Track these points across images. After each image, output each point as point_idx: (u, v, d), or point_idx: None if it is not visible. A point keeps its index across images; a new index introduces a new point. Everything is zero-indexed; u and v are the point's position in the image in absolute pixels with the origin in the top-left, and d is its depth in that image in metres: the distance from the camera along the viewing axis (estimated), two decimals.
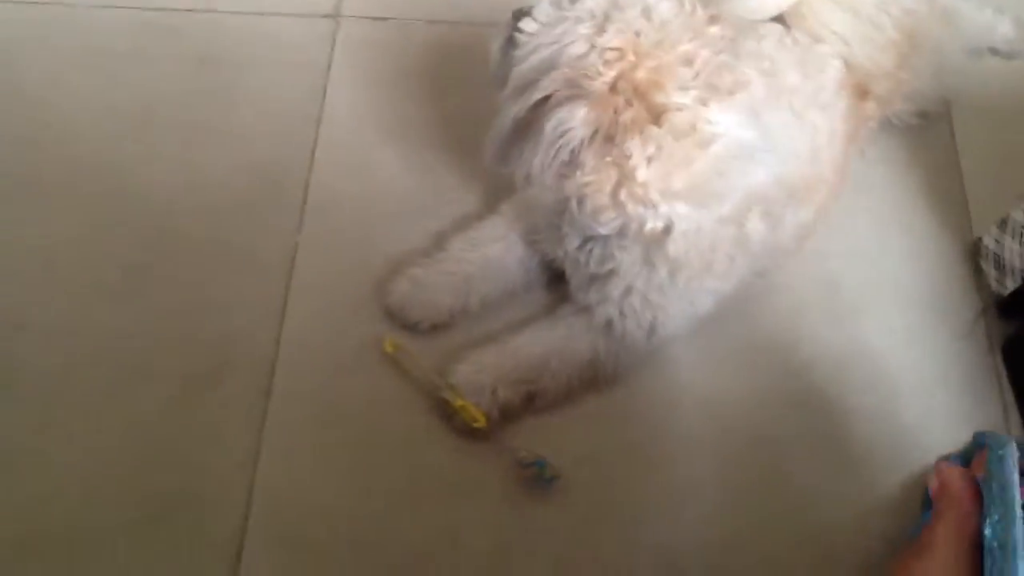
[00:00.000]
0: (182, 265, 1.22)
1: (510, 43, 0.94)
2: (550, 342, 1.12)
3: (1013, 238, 1.11)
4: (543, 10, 0.91)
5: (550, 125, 0.85)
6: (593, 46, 0.86)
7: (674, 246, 0.96)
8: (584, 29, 0.87)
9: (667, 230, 0.93)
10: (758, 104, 0.91)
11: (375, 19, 1.42)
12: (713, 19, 0.90)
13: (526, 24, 0.91)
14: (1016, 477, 0.70)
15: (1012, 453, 0.71)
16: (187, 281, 1.21)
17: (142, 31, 1.41)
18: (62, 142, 1.31)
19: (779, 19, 1.15)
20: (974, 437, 0.89)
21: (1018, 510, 0.65)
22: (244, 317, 1.18)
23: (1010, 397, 1.14)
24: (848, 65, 1.15)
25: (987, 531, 0.65)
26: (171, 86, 1.36)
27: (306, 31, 1.41)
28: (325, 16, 1.42)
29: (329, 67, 1.37)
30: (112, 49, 1.39)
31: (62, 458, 1.09)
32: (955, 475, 0.76)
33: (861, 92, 1.18)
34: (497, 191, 1.23)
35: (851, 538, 1.07)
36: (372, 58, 1.39)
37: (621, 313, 1.08)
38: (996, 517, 0.65)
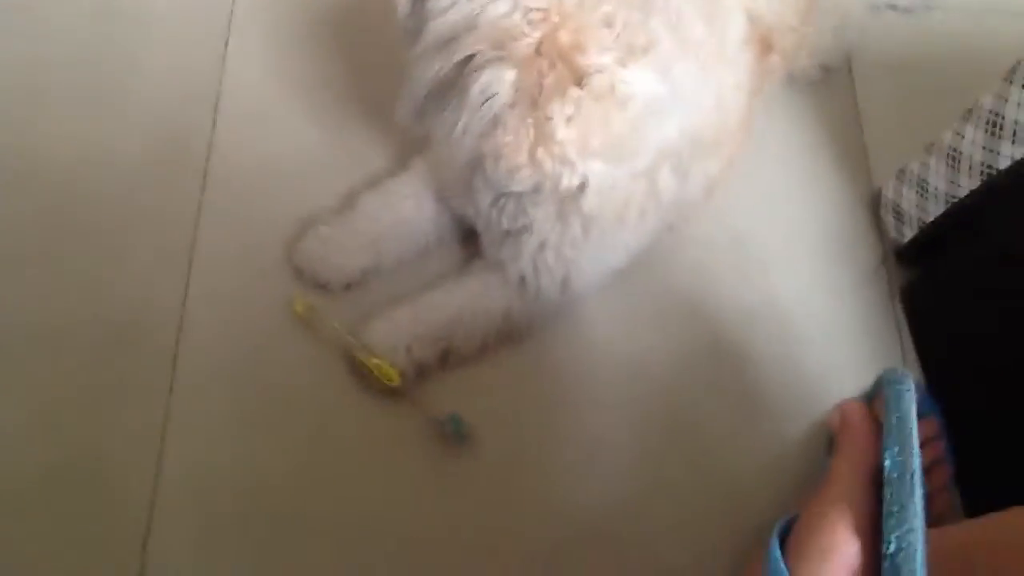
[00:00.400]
0: (81, 229, 1.17)
1: None
2: (464, 298, 1.12)
3: (910, 188, 1.14)
4: None
5: (476, 88, 0.84)
6: (516, 6, 0.84)
7: (588, 202, 0.97)
8: None
9: (582, 187, 0.93)
10: (667, 59, 0.92)
11: None
12: None
13: None
14: (914, 411, 0.73)
15: (910, 388, 0.74)
16: (89, 245, 1.16)
17: None
18: None
19: None
20: (876, 380, 0.92)
21: (915, 442, 0.68)
22: (149, 280, 1.14)
23: (909, 342, 1.18)
24: (752, 19, 1.16)
25: (887, 462, 0.67)
26: (63, 43, 1.30)
27: None
28: None
29: (230, 20, 1.32)
30: (3, 5, 1.32)
31: None
32: (855, 412, 0.78)
33: (765, 46, 1.19)
34: (408, 147, 1.21)
35: (761, 482, 1.10)
36: (275, 14, 1.34)
37: (534, 268, 1.08)
38: (896, 449, 0.67)
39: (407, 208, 1.16)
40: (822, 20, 1.26)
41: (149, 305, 1.13)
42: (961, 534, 0.73)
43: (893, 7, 1.42)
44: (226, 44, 1.31)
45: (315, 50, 1.32)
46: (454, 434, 1.07)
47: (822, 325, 1.20)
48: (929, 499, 0.99)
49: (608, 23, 0.86)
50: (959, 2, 1.43)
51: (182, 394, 1.08)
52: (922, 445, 1.00)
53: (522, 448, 1.10)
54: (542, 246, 1.05)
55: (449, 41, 0.87)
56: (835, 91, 1.36)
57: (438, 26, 0.88)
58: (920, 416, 1.03)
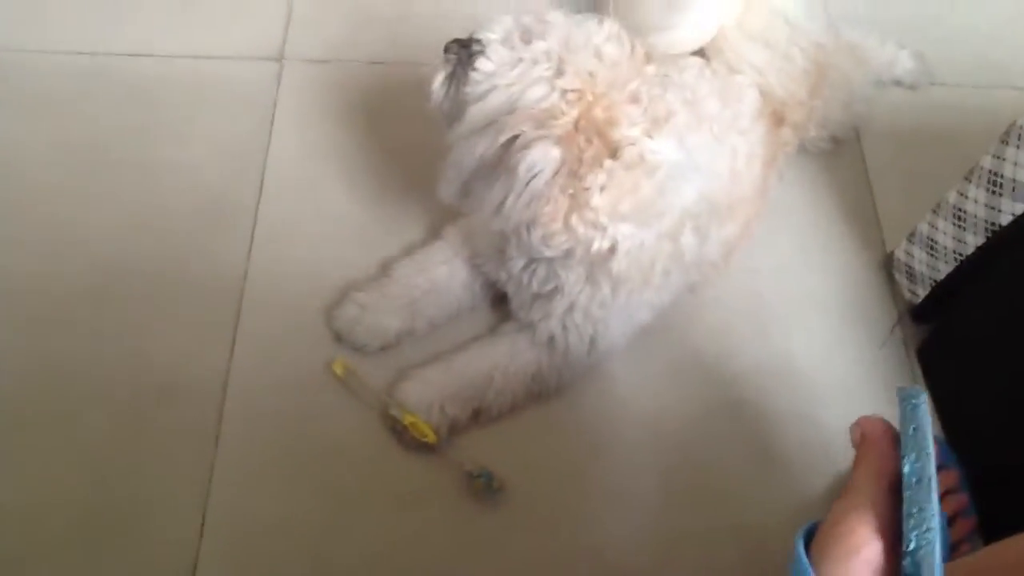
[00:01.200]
0: (133, 292, 1.24)
1: (454, 78, 1.00)
2: (494, 358, 1.17)
3: (920, 248, 1.19)
4: (496, 51, 0.95)
5: (524, 165, 0.92)
6: (553, 88, 0.93)
7: (618, 263, 1.03)
8: (542, 71, 0.93)
9: (612, 249, 1.01)
10: (683, 130, 1.00)
11: (318, 61, 1.48)
12: (648, 57, 0.99)
13: (482, 64, 0.95)
14: (929, 422, 0.76)
15: (925, 402, 0.78)
16: (138, 307, 1.23)
17: (88, 75, 1.45)
18: (7, 177, 1.34)
19: (699, 53, 1.24)
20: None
21: (931, 450, 0.71)
22: (195, 341, 1.21)
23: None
24: (764, 94, 1.24)
25: (906, 468, 0.70)
26: (121, 125, 1.40)
27: (252, 72, 1.46)
28: (269, 59, 1.48)
29: (275, 105, 1.43)
30: (60, 92, 1.43)
31: (11, 477, 1.11)
32: (875, 424, 0.82)
33: (777, 119, 1.27)
34: (441, 218, 1.28)
35: (780, 536, 1.12)
36: (316, 96, 1.45)
37: (563, 328, 1.13)
38: (913, 456, 0.70)
39: (440, 274, 1.22)
40: (831, 95, 1.34)
41: (196, 364, 1.19)
42: (975, 561, 0.75)
43: (898, 83, 1.50)
44: (270, 129, 1.41)
45: (350, 133, 1.42)
46: (486, 488, 1.11)
47: (840, 383, 1.24)
48: (953, 549, 1.01)
49: (635, 99, 0.95)
50: (961, 78, 1.52)
51: (226, 448, 1.14)
52: (943, 496, 1.04)
53: (551, 499, 1.13)
54: (571, 307, 1.11)
55: (490, 124, 0.95)
56: (846, 161, 1.43)
57: (478, 110, 0.96)
58: (940, 468, 1.06)
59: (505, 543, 1.10)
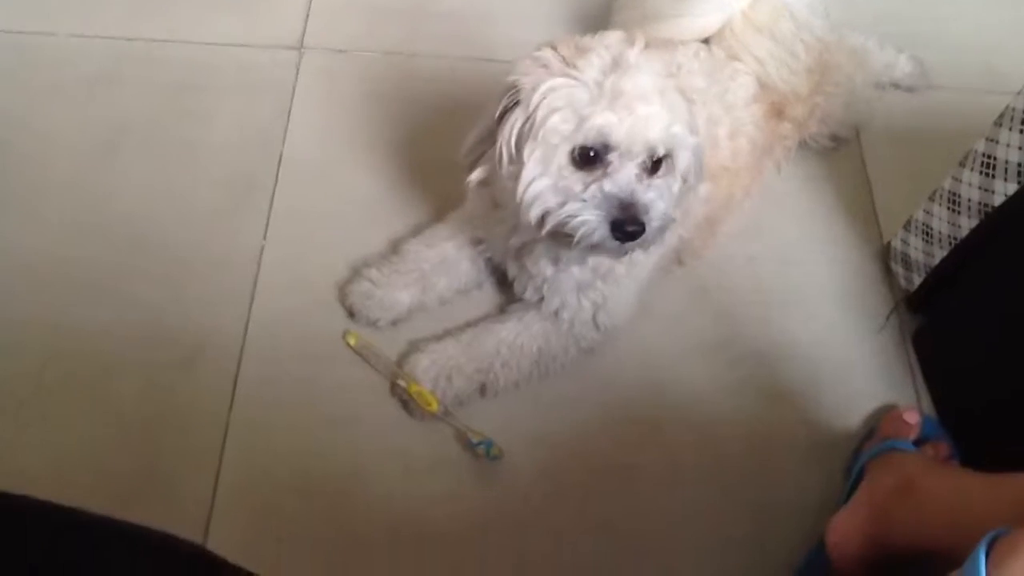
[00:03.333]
0: (155, 267, 1.29)
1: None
2: (501, 334, 1.20)
3: (916, 236, 1.23)
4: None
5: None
6: None
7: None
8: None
9: None
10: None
11: (336, 51, 1.54)
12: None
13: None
14: None
15: None
16: (159, 281, 1.27)
17: (117, 59, 1.50)
18: (39, 156, 1.39)
19: (706, 42, 1.29)
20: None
21: None
22: (213, 313, 1.25)
23: (922, 382, 1.25)
24: (764, 85, 1.28)
25: None
26: (145, 108, 1.45)
27: (273, 60, 1.52)
28: (290, 48, 1.53)
29: (294, 92, 1.48)
30: (87, 75, 1.48)
31: (36, 440, 1.14)
32: None
33: (777, 111, 1.32)
34: (446, 200, 1.32)
35: (783, 508, 1.15)
36: (333, 84, 1.50)
37: (567, 301, 1.17)
38: None
39: (448, 249, 1.26)
40: (832, 93, 1.39)
41: (214, 334, 1.23)
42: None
43: (897, 85, 1.55)
44: (288, 114, 1.45)
45: (364, 120, 1.46)
46: (487, 455, 1.14)
47: (839, 368, 1.27)
48: None
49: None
50: (959, 82, 1.57)
51: (241, 412, 1.17)
52: None
53: (559, 472, 1.16)
54: (578, 285, 1.15)
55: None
56: (846, 158, 1.47)
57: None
58: (934, 440, 1.10)
59: (512, 514, 1.13)
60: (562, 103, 0.95)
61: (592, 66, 0.95)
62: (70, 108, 1.44)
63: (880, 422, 1.15)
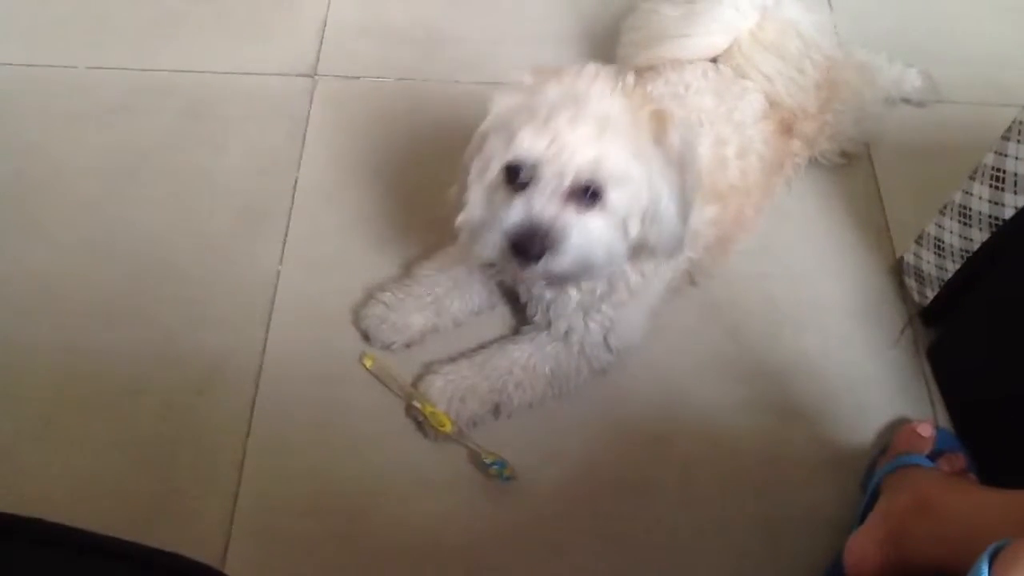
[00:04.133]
0: (173, 291, 1.31)
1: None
2: (514, 355, 1.21)
3: (928, 249, 1.23)
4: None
5: None
6: None
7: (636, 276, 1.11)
8: None
9: None
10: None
11: (349, 77, 1.56)
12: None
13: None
14: None
15: None
16: (177, 306, 1.29)
17: (133, 89, 1.53)
18: (58, 184, 1.42)
19: (714, 61, 1.30)
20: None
21: None
22: (231, 336, 1.26)
23: (937, 395, 1.25)
24: (772, 102, 1.29)
25: None
26: (162, 135, 1.48)
27: (287, 87, 1.54)
28: (303, 75, 1.56)
29: (308, 119, 1.50)
30: (106, 104, 1.51)
31: (57, 463, 1.16)
32: None
33: (786, 129, 1.33)
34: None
35: (797, 522, 1.15)
36: (347, 110, 1.52)
37: (574, 326, 1.18)
38: None
39: (461, 272, 1.27)
40: (842, 109, 1.39)
41: (231, 357, 1.25)
42: None
43: (907, 100, 1.55)
44: (303, 141, 1.48)
45: (378, 146, 1.48)
46: (500, 476, 1.15)
47: (853, 383, 1.27)
48: None
49: None
50: (968, 96, 1.57)
51: (258, 435, 1.19)
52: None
53: (570, 490, 1.17)
54: (581, 307, 1.16)
55: None
56: (858, 174, 1.47)
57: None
58: (949, 452, 1.10)
59: (525, 532, 1.13)
60: (502, 123, 0.96)
61: (549, 91, 0.95)
62: (88, 137, 1.47)
63: (894, 436, 1.14)
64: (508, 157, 0.94)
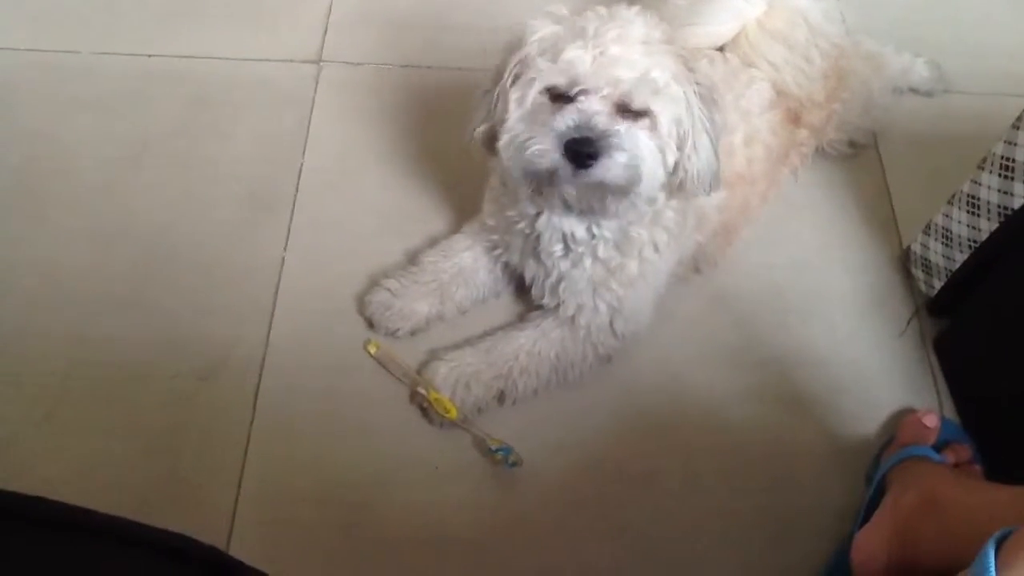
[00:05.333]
0: (178, 278, 1.30)
1: None
2: (519, 341, 1.21)
3: (936, 239, 1.22)
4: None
5: None
6: None
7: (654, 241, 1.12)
8: None
9: None
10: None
11: (354, 64, 1.56)
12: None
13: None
14: None
15: None
16: (181, 292, 1.29)
17: (139, 76, 1.53)
18: (65, 170, 1.42)
19: (721, 49, 1.30)
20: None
21: None
22: (235, 323, 1.26)
23: (943, 386, 1.24)
24: (780, 91, 1.29)
25: None
26: (168, 121, 1.48)
27: (292, 74, 1.54)
28: (308, 61, 1.55)
29: (313, 105, 1.50)
30: (113, 90, 1.51)
31: (63, 448, 1.16)
32: None
33: (793, 118, 1.32)
34: (462, 211, 1.35)
35: (802, 513, 1.15)
36: (352, 97, 1.52)
37: (584, 306, 1.18)
38: None
39: (465, 259, 1.27)
40: (849, 99, 1.39)
41: (236, 345, 1.24)
42: None
43: (914, 90, 1.54)
44: (308, 127, 1.47)
45: (383, 132, 1.48)
46: (506, 462, 1.14)
47: (860, 372, 1.27)
48: None
49: None
50: (976, 86, 1.56)
51: (263, 421, 1.18)
52: (957, 467, 1.06)
53: (576, 480, 1.17)
54: (592, 283, 1.16)
55: None
56: (865, 164, 1.47)
57: None
58: (956, 442, 1.09)
59: (531, 520, 1.13)
60: (547, 45, 0.98)
61: (588, 19, 0.99)
62: (94, 123, 1.47)
63: (899, 427, 1.14)
64: (556, 72, 0.97)
